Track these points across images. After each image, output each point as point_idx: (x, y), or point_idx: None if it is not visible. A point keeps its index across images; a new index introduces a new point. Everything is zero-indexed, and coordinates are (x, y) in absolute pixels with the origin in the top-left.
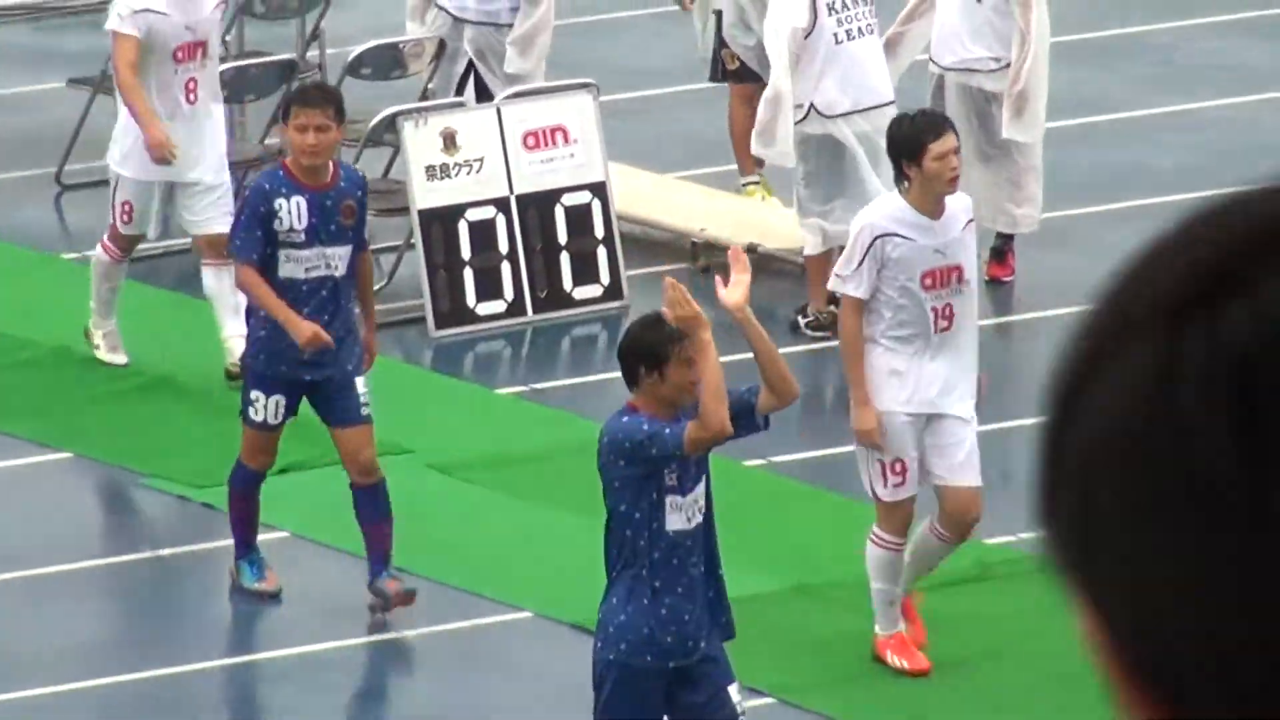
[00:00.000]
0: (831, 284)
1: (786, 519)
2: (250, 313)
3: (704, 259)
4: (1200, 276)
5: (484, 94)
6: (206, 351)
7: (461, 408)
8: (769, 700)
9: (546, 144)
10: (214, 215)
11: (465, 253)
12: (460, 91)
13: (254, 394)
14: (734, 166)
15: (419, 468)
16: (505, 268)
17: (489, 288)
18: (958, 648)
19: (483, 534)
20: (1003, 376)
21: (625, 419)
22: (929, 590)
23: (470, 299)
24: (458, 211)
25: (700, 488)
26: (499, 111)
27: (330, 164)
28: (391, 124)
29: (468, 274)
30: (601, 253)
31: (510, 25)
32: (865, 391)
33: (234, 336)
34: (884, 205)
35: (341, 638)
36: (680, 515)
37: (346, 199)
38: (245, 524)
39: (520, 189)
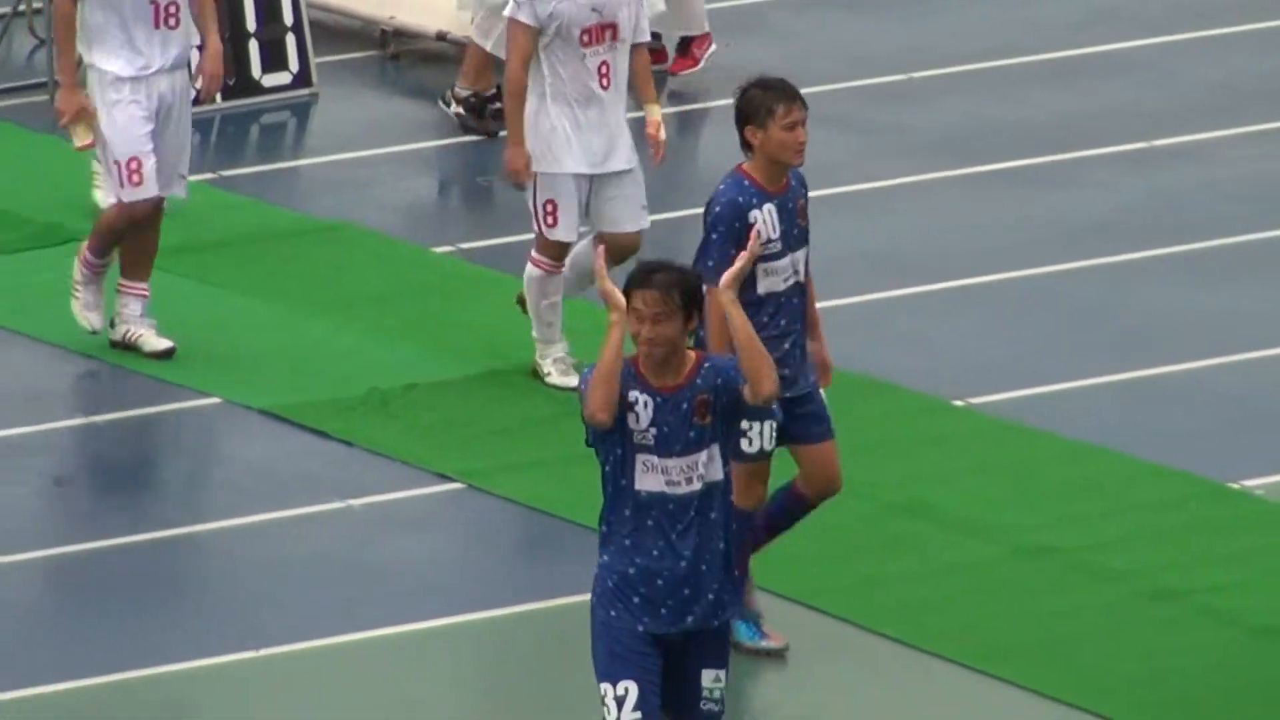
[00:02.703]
0: None
1: (475, 305)
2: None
3: (393, 46)
4: None
5: None
6: None
7: None
8: (457, 485)
9: None
10: (631, 213)
11: None
12: None
13: (745, 423)
14: None
15: None
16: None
17: None
18: None
19: (172, 321)
20: (681, 166)
21: (588, 369)
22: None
23: None
24: None
25: (701, 456)
26: None
27: None
28: None
29: None
30: (290, 40)
31: None
32: None
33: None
34: None
35: (40, 422)
36: (657, 477)
37: (799, 199)
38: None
39: None
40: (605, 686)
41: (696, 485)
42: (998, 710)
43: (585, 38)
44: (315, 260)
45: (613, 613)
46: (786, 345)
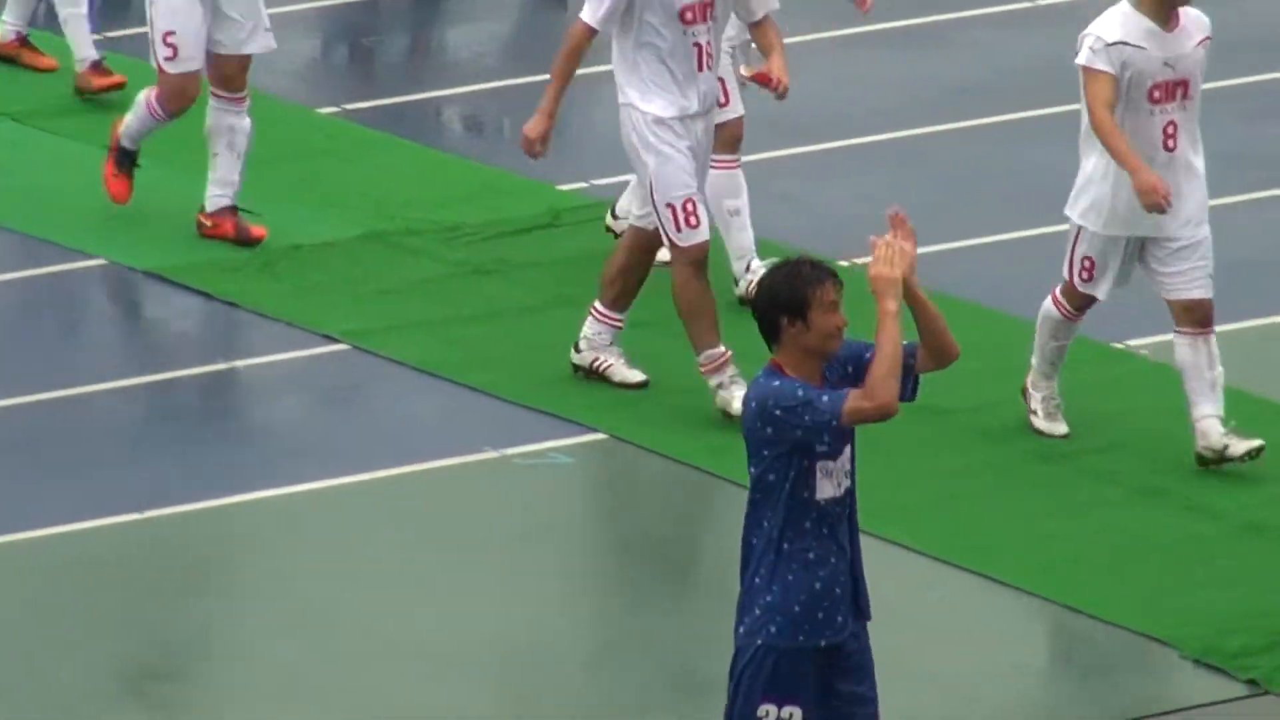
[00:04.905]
0: None
1: (360, 166)
2: None
3: None
4: None
5: None
6: None
7: None
8: (343, 346)
9: None
10: (1193, 279)
11: None
12: None
13: None
14: None
15: None
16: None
17: None
18: (532, 295)
19: (59, 182)
20: None
21: (776, 382)
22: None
23: None
24: None
25: (848, 450)
26: None
27: None
28: None
29: None
30: None
31: None
32: None
33: (1206, 418)
34: None
35: None
36: (831, 482)
37: None
38: None
39: None
40: (767, 707)
41: (848, 483)
42: (886, 569)
43: (1156, 93)
44: (200, 122)
45: (800, 637)
46: None
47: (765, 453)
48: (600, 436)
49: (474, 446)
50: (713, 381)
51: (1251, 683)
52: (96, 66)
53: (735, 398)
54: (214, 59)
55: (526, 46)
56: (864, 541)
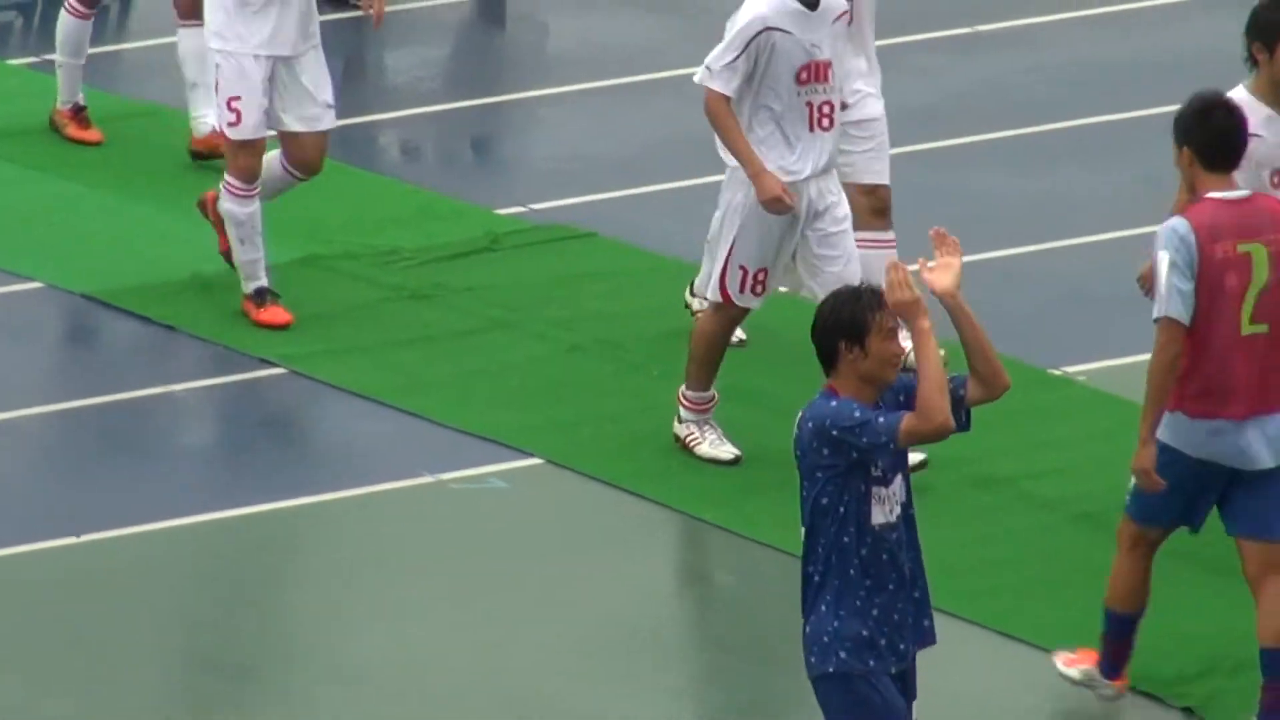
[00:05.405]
0: None
1: (298, 189)
2: None
3: None
4: None
5: None
6: None
7: None
8: (279, 370)
9: None
10: None
11: None
12: None
13: None
14: None
15: None
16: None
17: None
18: (469, 319)
19: None
20: None
21: (833, 403)
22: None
23: None
24: None
25: (899, 478)
26: None
27: None
28: None
29: None
30: None
31: None
32: None
33: None
34: None
35: None
36: (883, 508)
37: None
38: None
39: None
40: None
41: (900, 510)
42: None
43: (1277, 179)
44: (137, 144)
45: (871, 662)
46: None
47: (819, 475)
48: (536, 461)
49: (411, 471)
50: (690, 416)
51: (1187, 710)
52: (78, 112)
53: (706, 440)
54: (287, 140)
55: (465, 70)
56: (792, 566)
